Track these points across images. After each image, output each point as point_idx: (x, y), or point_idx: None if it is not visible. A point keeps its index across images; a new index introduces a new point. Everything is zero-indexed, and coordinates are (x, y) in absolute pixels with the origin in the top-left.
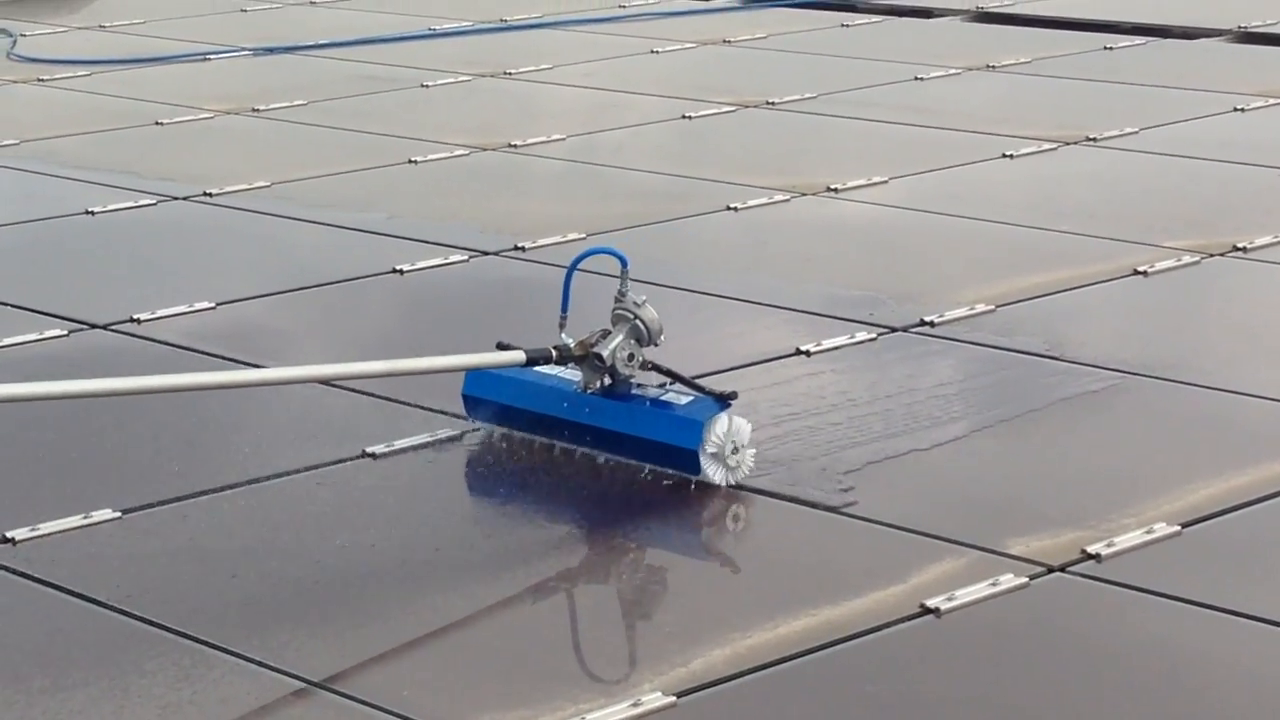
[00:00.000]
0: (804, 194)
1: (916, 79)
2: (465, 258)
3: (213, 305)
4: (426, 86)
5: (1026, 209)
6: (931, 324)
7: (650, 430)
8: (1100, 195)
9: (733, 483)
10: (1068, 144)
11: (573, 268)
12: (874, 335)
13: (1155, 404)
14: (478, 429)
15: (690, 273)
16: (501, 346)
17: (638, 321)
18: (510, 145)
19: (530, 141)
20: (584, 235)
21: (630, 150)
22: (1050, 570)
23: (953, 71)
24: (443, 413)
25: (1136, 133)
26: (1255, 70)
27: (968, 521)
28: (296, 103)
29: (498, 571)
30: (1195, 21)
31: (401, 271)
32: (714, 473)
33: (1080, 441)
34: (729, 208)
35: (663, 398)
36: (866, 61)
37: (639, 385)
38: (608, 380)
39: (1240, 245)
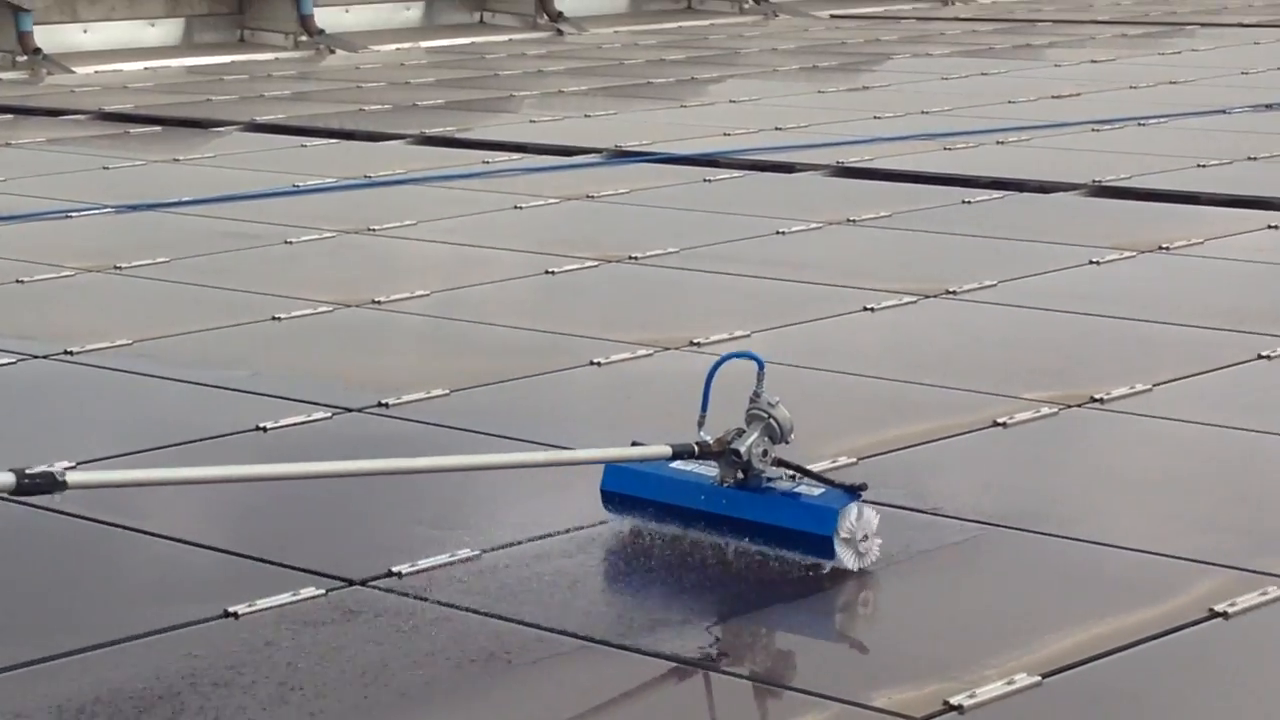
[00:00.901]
0: (667, 349)
1: (778, 233)
2: (329, 415)
3: (72, 464)
4: (290, 243)
5: (888, 361)
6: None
7: (788, 519)
8: (960, 347)
9: (863, 567)
10: (927, 297)
11: (713, 371)
12: (742, 476)
13: (1016, 555)
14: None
15: (554, 428)
16: (635, 444)
17: (771, 420)
18: (374, 302)
19: (394, 298)
20: (448, 391)
21: (494, 306)
22: None
23: (814, 226)
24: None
25: (995, 285)
26: (1110, 224)
27: (830, 673)
28: (159, 260)
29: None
30: (1051, 176)
31: (265, 429)
32: (847, 558)
33: (942, 592)
34: (592, 363)
35: (795, 489)
36: (728, 216)
37: (769, 480)
38: (740, 475)
39: (1098, 396)
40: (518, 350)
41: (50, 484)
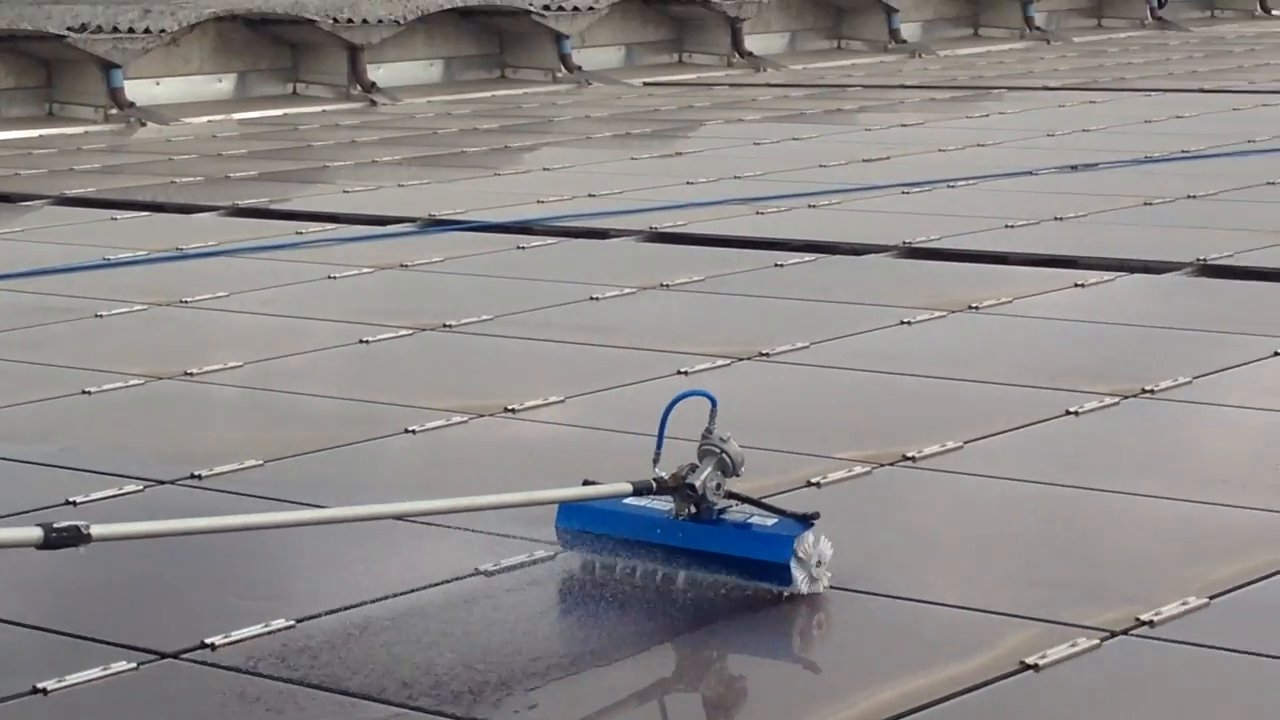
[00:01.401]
0: (481, 415)
1: (592, 299)
2: (140, 488)
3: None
4: (101, 316)
5: (701, 424)
6: None
7: (745, 548)
8: (773, 409)
9: (818, 591)
10: (741, 359)
11: (669, 409)
12: (553, 554)
13: (832, 613)
14: None
15: (369, 496)
16: (587, 484)
17: (724, 455)
18: (186, 374)
19: (207, 369)
20: (261, 462)
21: (308, 376)
22: None
23: (628, 291)
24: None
25: (808, 347)
26: (920, 284)
27: None
28: None
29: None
30: (862, 238)
31: (75, 504)
32: (803, 583)
33: (759, 651)
34: (407, 431)
35: (749, 520)
36: (542, 282)
37: (722, 513)
38: (694, 509)
39: (910, 455)
40: (332, 419)
41: (76, 537)
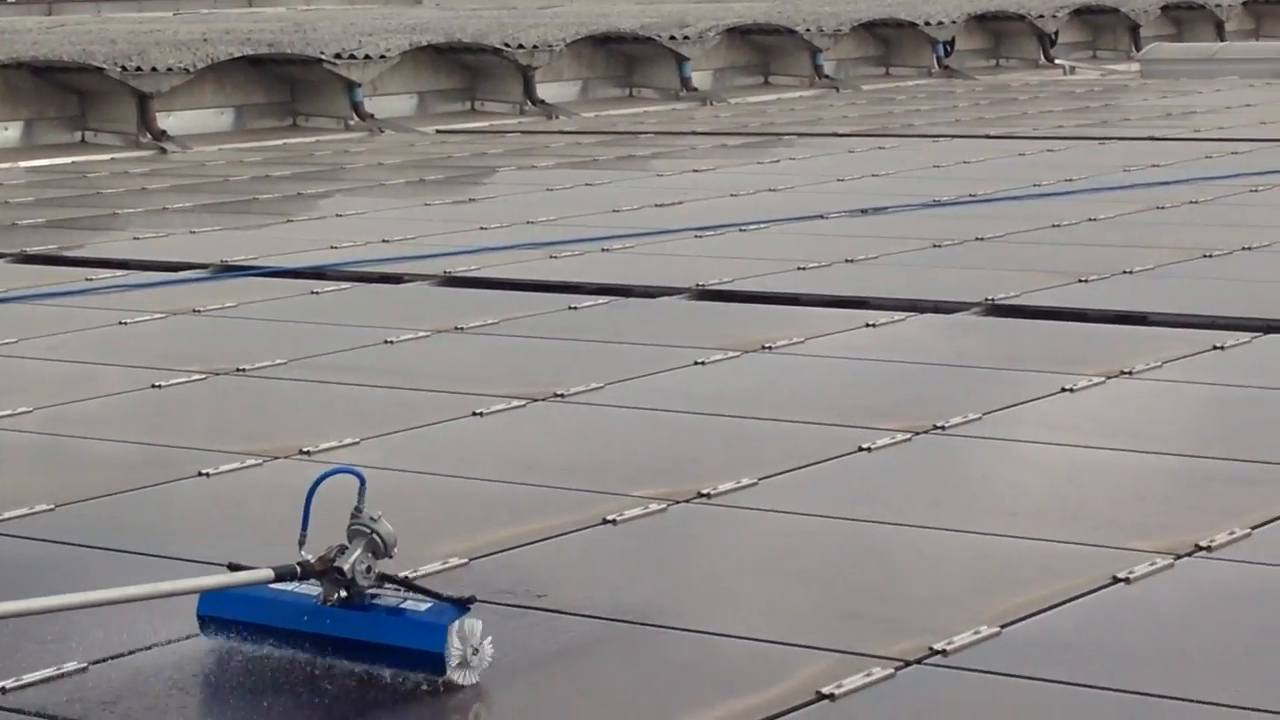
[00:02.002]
0: (276, 458)
1: (387, 342)
2: None
3: None
4: None
5: (497, 464)
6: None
7: (396, 636)
8: (569, 448)
9: (474, 681)
10: (536, 400)
11: (313, 489)
12: (345, 594)
13: (629, 648)
14: None
15: (162, 540)
16: (235, 567)
17: (374, 535)
18: None
19: None
20: (52, 506)
21: (99, 421)
22: None
23: (422, 334)
24: None
25: (602, 388)
26: (714, 325)
27: None
28: None
29: None
30: (656, 281)
31: None
32: (458, 673)
33: (558, 688)
34: (201, 474)
35: (401, 605)
36: (337, 327)
37: (374, 597)
38: (344, 593)
39: (705, 491)
40: (124, 464)
41: None
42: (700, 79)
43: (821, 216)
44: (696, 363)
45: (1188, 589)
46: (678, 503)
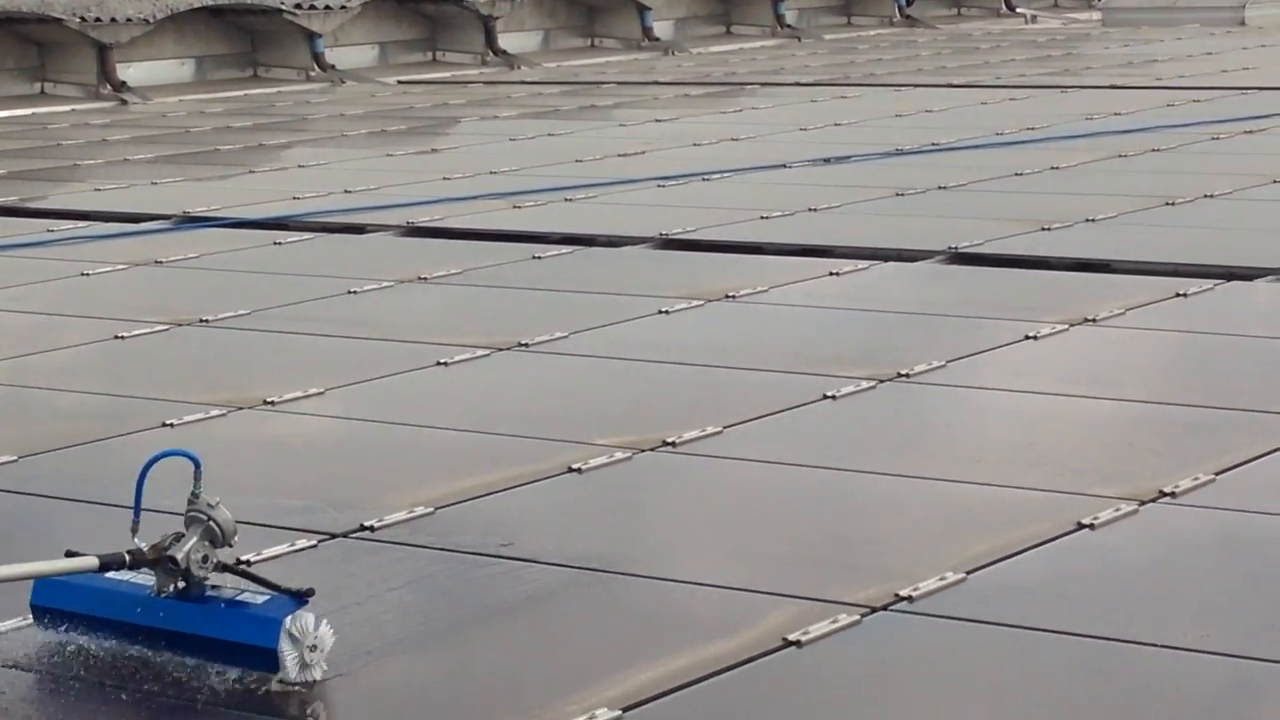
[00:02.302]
0: (241, 408)
1: (350, 292)
2: None
3: None
4: None
5: (462, 414)
6: (372, 529)
7: (229, 630)
8: (533, 398)
9: (311, 679)
10: (500, 350)
11: (145, 471)
12: (314, 543)
13: (595, 596)
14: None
15: (127, 491)
16: (70, 554)
17: (211, 523)
18: None
19: None
20: (15, 458)
21: (63, 372)
22: None
23: (385, 285)
24: None
25: (567, 337)
26: (678, 275)
27: (410, 715)
28: None
29: None
30: (619, 231)
31: None
32: (294, 669)
33: (525, 636)
34: (165, 424)
35: (239, 597)
36: (300, 277)
37: (213, 587)
38: (181, 583)
39: (670, 440)
40: (88, 415)
41: None
42: (662, 29)
43: (784, 165)
44: (660, 312)
45: (1152, 535)
46: (643, 451)
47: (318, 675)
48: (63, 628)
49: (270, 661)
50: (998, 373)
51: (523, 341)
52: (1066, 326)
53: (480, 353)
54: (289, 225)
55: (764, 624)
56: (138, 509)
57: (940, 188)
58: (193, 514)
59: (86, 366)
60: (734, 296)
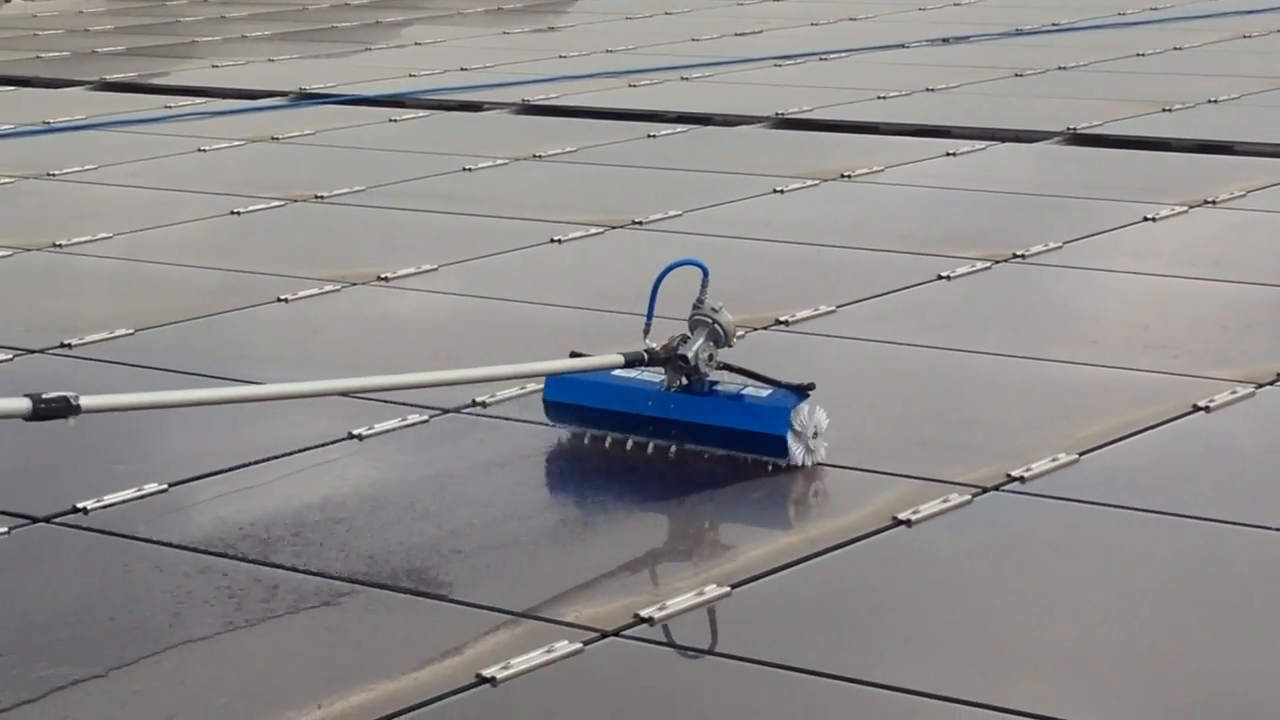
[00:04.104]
0: (355, 284)
1: (465, 170)
2: (10, 357)
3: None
4: None
5: (575, 291)
6: (483, 404)
7: (740, 420)
8: (647, 276)
9: (813, 463)
10: (614, 228)
11: (659, 279)
12: (426, 418)
13: (707, 471)
14: None
15: (242, 364)
16: (575, 354)
17: (715, 325)
18: (56, 245)
19: (76, 241)
20: (132, 330)
21: (179, 247)
22: (604, 635)
23: (500, 162)
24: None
25: (681, 215)
26: (793, 154)
27: (519, 593)
28: None
29: None
30: (735, 110)
31: None
32: (800, 454)
33: (634, 516)
34: (280, 299)
35: (743, 391)
36: (415, 154)
37: (714, 383)
38: (685, 380)
39: (783, 319)
40: (204, 289)
41: (65, 408)
42: None
43: (902, 45)
44: (775, 191)
45: (1267, 418)
46: (756, 330)
47: (820, 457)
48: (574, 421)
49: (779, 448)
50: (1115, 254)
51: (636, 219)
52: (1186, 208)
53: (594, 230)
54: (405, 102)
55: (874, 502)
56: (650, 314)
57: (1060, 68)
58: (698, 318)
59: (203, 241)
60: (849, 176)
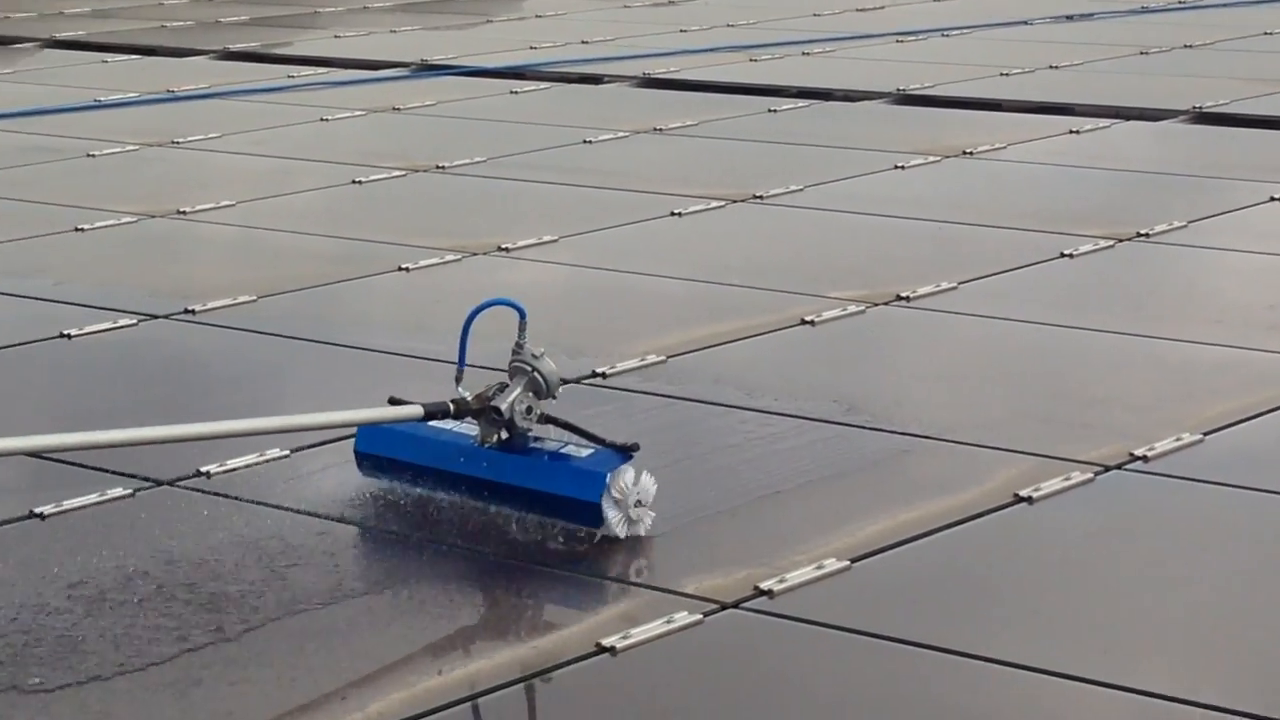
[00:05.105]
0: (475, 254)
1: (585, 142)
2: (134, 321)
3: None
4: (93, 156)
5: (694, 264)
6: (604, 375)
7: (553, 484)
8: (767, 250)
9: (637, 534)
10: (734, 202)
11: (470, 321)
12: (505, 435)
13: (824, 446)
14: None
15: (363, 332)
16: (394, 402)
17: (536, 374)
18: (179, 212)
19: (200, 208)
20: (254, 298)
21: (301, 215)
22: (724, 607)
23: (621, 134)
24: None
25: (801, 190)
26: (914, 130)
27: (641, 562)
28: None
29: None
30: (856, 85)
31: (69, 336)
32: (617, 525)
33: (752, 483)
34: (401, 268)
35: (562, 450)
36: (535, 126)
37: (536, 439)
38: (504, 434)
39: (904, 295)
40: (325, 257)
41: None
42: None
43: (1026, 22)
44: (896, 167)
45: None
46: (876, 305)
47: (643, 530)
48: (386, 475)
49: (595, 517)
50: (1240, 234)
51: (757, 194)
52: None
53: (714, 204)
54: (525, 74)
55: (995, 479)
56: (462, 359)
57: (1186, 46)
58: (517, 364)
59: (324, 210)
60: (971, 153)
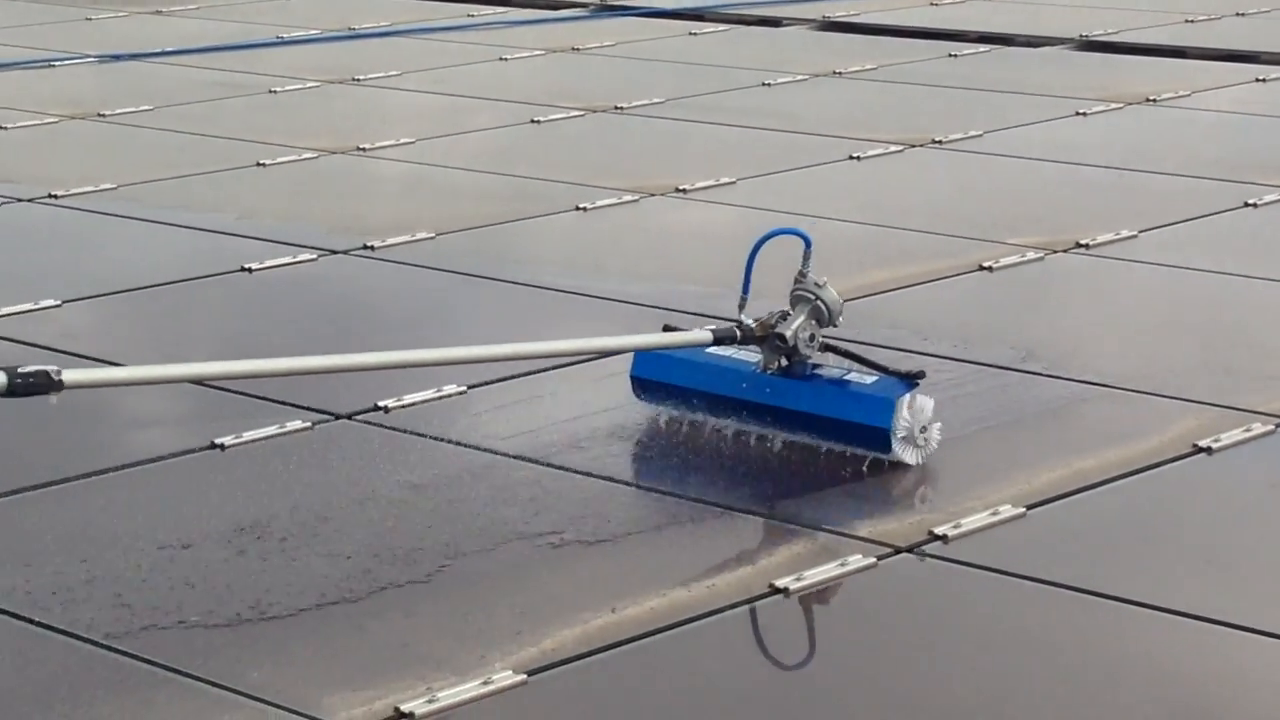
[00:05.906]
0: (652, 195)
1: (764, 84)
2: (314, 256)
3: (58, 303)
4: (274, 92)
5: (873, 209)
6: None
7: (842, 410)
8: (946, 195)
9: (922, 461)
10: (913, 146)
11: (756, 248)
12: (786, 363)
13: (1001, 392)
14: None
15: (539, 270)
16: (668, 328)
17: (819, 302)
18: (359, 149)
19: (379, 145)
20: (433, 234)
21: (479, 153)
22: (898, 551)
23: (800, 78)
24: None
25: (981, 136)
26: (1096, 76)
27: (817, 506)
28: (143, 108)
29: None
30: (1038, 30)
31: (250, 270)
32: (904, 451)
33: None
34: (578, 208)
35: (845, 377)
36: (714, 68)
37: (815, 366)
38: (784, 361)
39: (1083, 242)
40: (503, 196)
41: (47, 384)
42: None
43: None
44: (1078, 114)
45: None
46: (1055, 252)
47: (922, 459)
48: (663, 400)
49: (882, 442)
50: None
51: (936, 138)
52: None
53: (893, 148)
54: (705, 16)
55: (1174, 429)
56: (746, 286)
57: None
58: (800, 292)
59: (502, 149)
60: (1155, 100)
